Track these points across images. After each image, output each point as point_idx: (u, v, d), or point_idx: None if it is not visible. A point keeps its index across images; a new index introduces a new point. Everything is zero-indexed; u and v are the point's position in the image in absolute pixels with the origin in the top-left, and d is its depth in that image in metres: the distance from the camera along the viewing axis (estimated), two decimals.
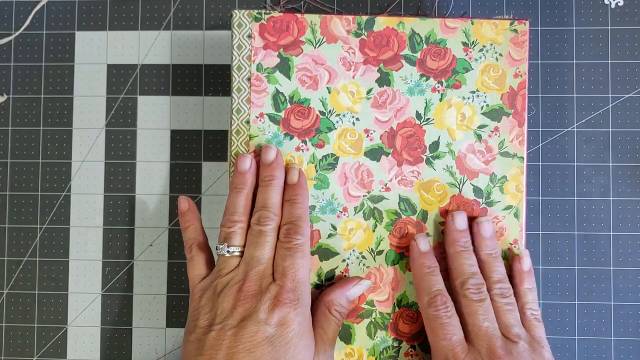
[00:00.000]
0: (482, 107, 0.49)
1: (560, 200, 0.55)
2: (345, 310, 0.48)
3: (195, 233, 0.49)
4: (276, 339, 0.43)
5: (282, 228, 0.47)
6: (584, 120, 0.55)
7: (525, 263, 0.48)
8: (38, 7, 0.58)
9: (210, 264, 0.49)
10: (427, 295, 0.47)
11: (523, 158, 0.49)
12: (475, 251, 0.48)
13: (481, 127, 0.49)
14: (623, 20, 0.56)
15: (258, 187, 0.48)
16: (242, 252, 0.47)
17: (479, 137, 0.49)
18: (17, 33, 0.58)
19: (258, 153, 0.49)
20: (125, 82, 0.57)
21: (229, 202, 0.48)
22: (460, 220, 0.48)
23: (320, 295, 0.48)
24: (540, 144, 0.55)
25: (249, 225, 0.47)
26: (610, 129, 0.55)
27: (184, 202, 0.50)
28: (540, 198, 0.55)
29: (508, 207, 0.49)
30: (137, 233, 0.56)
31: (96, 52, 0.57)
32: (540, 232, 0.55)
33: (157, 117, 0.57)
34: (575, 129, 0.55)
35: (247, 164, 0.48)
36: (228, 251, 0.46)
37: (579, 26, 0.56)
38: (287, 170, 0.48)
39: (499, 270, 0.47)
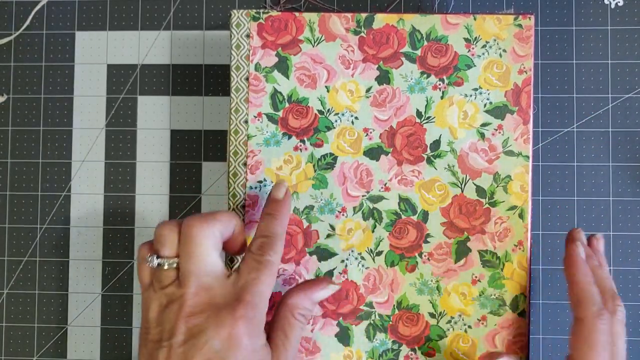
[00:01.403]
0: (485, 105, 0.47)
1: (560, 200, 0.53)
2: (310, 313, 0.44)
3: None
4: (228, 355, 0.39)
5: (257, 240, 0.43)
6: (584, 120, 0.53)
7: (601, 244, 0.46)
8: (38, 7, 0.56)
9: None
10: (593, 305, 0.41)
11: (528, 157, 0.47)
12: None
13: (484, 125, 0.47)
14: (623, 20, 0.54)
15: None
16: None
17: (482, 135, 0.47)
18: (17, 33, 0.56)
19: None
20: (125, 82, 0.55)
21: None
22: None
23: (283, 296, 0.44)
24: (540, 144, 0.53)
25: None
26: (610, 129, 0.53)
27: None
28: (540, 198, 0.53)
29: (512, 207, 0.47)
30: (137, 233, 0.55)
31: (96, 52, 0.56)
32: (540, 232, 0.53)
33: (157, 117, 0.55)
34: (575, 129, 0.53)
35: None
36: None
37: (579, 26, 0.54)
38: (275, 185, 0.46)
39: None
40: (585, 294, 0.42)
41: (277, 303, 0.44)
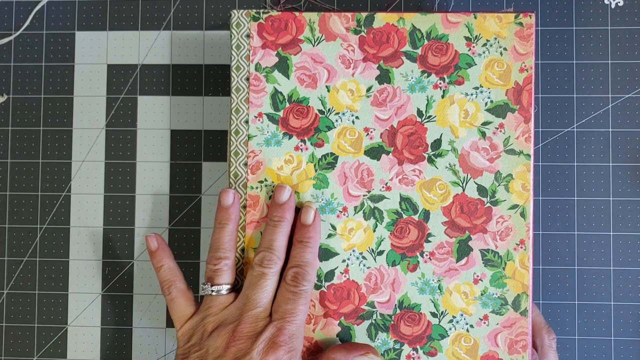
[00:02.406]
0: (486, 104, 0.47)
1: (560, 200, 0.53)
2: None
3: (170, 273, 0.47)
4: None
5: (290, 270, 0.45)
6: (584, 120, 0.53)
7: None
8: (38, 7, 0.55)
9: (193, 300, 0.46)
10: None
11: (529, 155, 0.46)
12: None
13: (485, 123, 0.47)
14: (623, 20, 0.54)
15: (266, 224, 0.46)
16: (229, 289, 0.45)
17: (483, 134, 0.47)
18: (17, 33, 0.55)
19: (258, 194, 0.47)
20: (125, 82, 0.55)
21: (213, 238, 0.46)
22: None
23: (326, 351, 0.46)
24: (541, 144, 0.53)
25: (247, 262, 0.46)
26: (610, 129, 0.53)
27: (152, 241, 0.48)
28: (541, 198, 0.53)
29: (514, 206, 0.46)
30: (137, 233, 0.55)
31: (96, 52, 0.55)
32: (540, 232, 0.53)
33: (157, 117, 0.55)
34: (575, 129, 0.53)
35: (230, 199, 0.46)
36: (212, 290, 0.45)
37: (579, 26, 0.54)
38: (302, 208, 0.46)
39: None
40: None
41: (321, 354, 0.46)
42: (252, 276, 0.44)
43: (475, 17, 0.47)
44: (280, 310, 0.43)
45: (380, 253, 0.47)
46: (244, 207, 0.47)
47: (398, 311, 0.47)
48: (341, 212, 0.47)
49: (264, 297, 0.44)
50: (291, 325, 0.43)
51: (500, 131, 0.46)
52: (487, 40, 0.47)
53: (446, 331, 0.46)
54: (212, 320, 0.43)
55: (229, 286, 0.45)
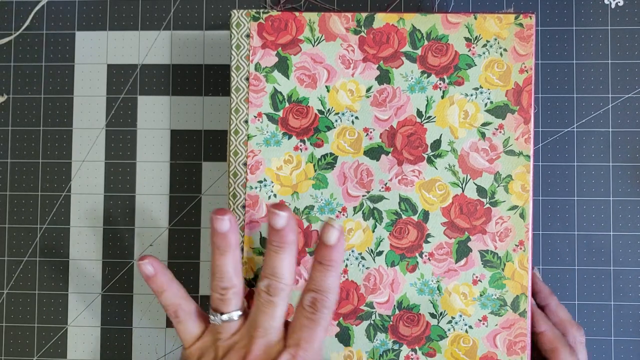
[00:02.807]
0: (485, 104, 0.47)
1: (560, 200, 0.53)
2: None
3: (173, 297, 0.43)
4: None
5: (308, 295, 0.41)
6: (584, 120, 0.53)
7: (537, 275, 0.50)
8: (38, 7, 0.55)
9: (201, 319, 0.44)
10: (564, 347, 0.46)
11: (529, 156, 0.46)
12: None
13: (485, 124, 0.47)
14: (623, 20, 0.54)
15: (266, 247, 0.43)
16: (240, 315, 0.42)
17: (483, 135, 0.47)
18: (17, 33, 0.55)
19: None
20: (125, 82, 0.55)
21: (214, 265, 0.42)
22: None
23: None
24: (541, 144, 0.53)
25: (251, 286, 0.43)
26: (610, 129, 0.53)
27: (146, 267, 0.43)
28: (541, 198, 0.53)
29: (513, 207, 0.46)
30: (137, 233, 0.54)
31: (96, 52, 0.55)
32: (540, 232, 0.53)
33: (157, 117, 0.55)
34: (575, 129, 0.53)
35: (225, 225, 0.42)
36: (223, 319, 0.41)
37: (579, 26, 0.54)
38: (324, 225, 0.42)
39: None
40: (555, 342, 0.45)
41: None
42: (260, 302, 0.41)
43: (476, 18, 0.46)
44: (296, 336, 0.41)
45: (380, 253, 0.46)
46: (243, 206, 0.47)
47: (397, 312, 0.46)
48: (340, 212, 0.47)
49: (274, 323, 0.41)
50: (307, 352, 0.40)
51: (500, 132, 0.46)
52: (487, 41, 0.46)
53: (445, 332, 0.46)
54: (222, 345, 0.41)
55: (239, 312, 0.42)
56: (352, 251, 0.47)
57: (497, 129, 0.46)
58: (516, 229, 0.46)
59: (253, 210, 0.47)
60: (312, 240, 0.47)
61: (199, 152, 0.54)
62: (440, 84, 0.46)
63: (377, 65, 0.47)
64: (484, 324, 0.46)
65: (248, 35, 0.47)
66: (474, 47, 0.46)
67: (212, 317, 0.42)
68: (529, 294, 0.46)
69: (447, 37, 0.46)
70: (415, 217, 0.47)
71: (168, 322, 0.54)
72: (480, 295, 0.46)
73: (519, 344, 0.46)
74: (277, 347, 0.40)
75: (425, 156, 0.47)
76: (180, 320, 0.43)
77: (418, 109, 0.47)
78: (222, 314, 0.41)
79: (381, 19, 0.47)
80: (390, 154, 0.47)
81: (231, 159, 0.47)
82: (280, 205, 0.42)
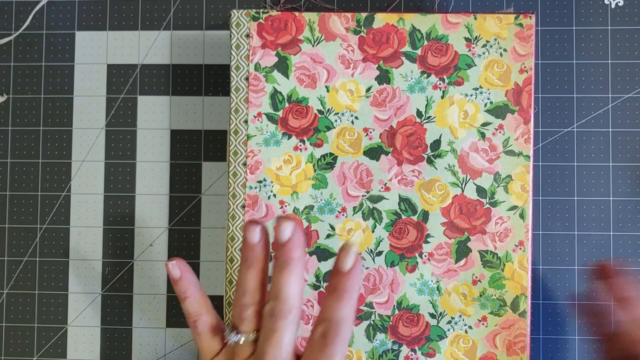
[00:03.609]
0: (485, 104, 0.47)
1: (560, 200, 0.53)
2: None
3: (196, 305, 0.41)
4: None
5: (320, 326, 0.37)
6: (584, 120, 0.53)
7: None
8: (38, 7, 0.55)
9: (221, 332, 0.41)
10: None
11: (529, 157, 0.46)
12: None
13: (485, 124, 0.47)
14: (623, 20, 0.53)
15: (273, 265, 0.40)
16: (257, 337, 0.39)
17: (483, 135, 0.47)
18: (17, 33, 0.55)
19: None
20: (125, 82, 0.55)
21: (240, 278, 0.39)
22: None
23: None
24: (541, 144, 0.53)
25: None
26: (610, 129, 0.53)
27: (174, 269, 0.41)
28: (541, 198, 0.53)
29: (513, 208, 0.46)
30: (137, 233, 0.54)
31: (96, 52, 0.55)
32: (540, 232, 0.53)
33: (157, 117, 0.55)
34: (575, 129, 0.53)
35: (256, 237, 0.38)
36: (234, 341, 0.38)
37: (579, 26, 0.53)
38: (341, 249, 0.38)
39: None
40: None
41: None
42: (267, 328, 0.38)
43: (475, 18, 0.46)
44: None
45: (379, 254, 0.46)
46: (243, 206, 0.47)
47: (396, 312, 0.46)
48: (340, 212, 0.47)
49: (282, 352, 0.37)
50: None
51: (500, 132, 0.46)
52: (487, 41, 0.46)
53: (445, 332, 0.46)
54: None
55: (255, 335, 0.38)
56: None
57: (496, 129, 0.46)
58: (516, 229, 0.46)
59: (253, 210, 0.47)
60: (312, 240, 0.47)
61: (198, 152, 0.54)
62: (440, 84, 0.46)
63: (376, 65, 0.47)
64: (483, 324, 0.46)
65: (248, 35, 0.47)
66: (473, 47, 0.46)
67: (227, 333, 0.39)
68: (529, 294, 0.46)
69: (447, 37, 0.46)
70: (414, 217, 0.46)
71: (168, 322, 0.53)
72: (480, 296, 0.46)
73: (519, 344, 0.46)
74: None
75: (425, 156, 0.46)
76: (199, 333, 0.41)
77: (418, 109, 0.47)
78: (238, 332, 0.39)
79: (381, 19, 0.47)
80: (390, 154, 0.47)
81: (231, 159, 0.47)
82: (288, 217, 0.39)
